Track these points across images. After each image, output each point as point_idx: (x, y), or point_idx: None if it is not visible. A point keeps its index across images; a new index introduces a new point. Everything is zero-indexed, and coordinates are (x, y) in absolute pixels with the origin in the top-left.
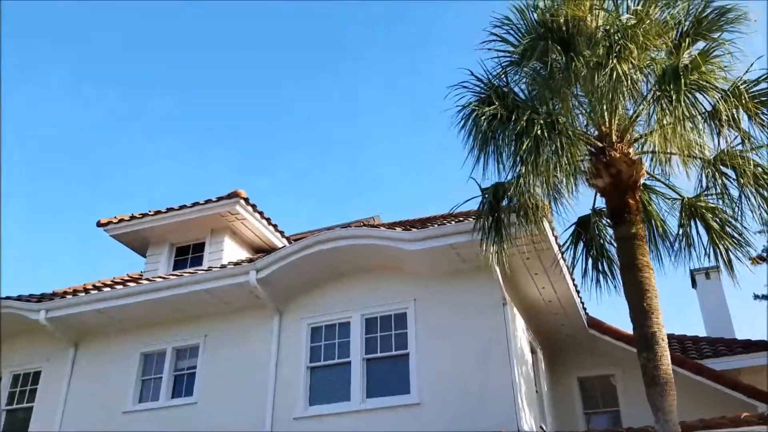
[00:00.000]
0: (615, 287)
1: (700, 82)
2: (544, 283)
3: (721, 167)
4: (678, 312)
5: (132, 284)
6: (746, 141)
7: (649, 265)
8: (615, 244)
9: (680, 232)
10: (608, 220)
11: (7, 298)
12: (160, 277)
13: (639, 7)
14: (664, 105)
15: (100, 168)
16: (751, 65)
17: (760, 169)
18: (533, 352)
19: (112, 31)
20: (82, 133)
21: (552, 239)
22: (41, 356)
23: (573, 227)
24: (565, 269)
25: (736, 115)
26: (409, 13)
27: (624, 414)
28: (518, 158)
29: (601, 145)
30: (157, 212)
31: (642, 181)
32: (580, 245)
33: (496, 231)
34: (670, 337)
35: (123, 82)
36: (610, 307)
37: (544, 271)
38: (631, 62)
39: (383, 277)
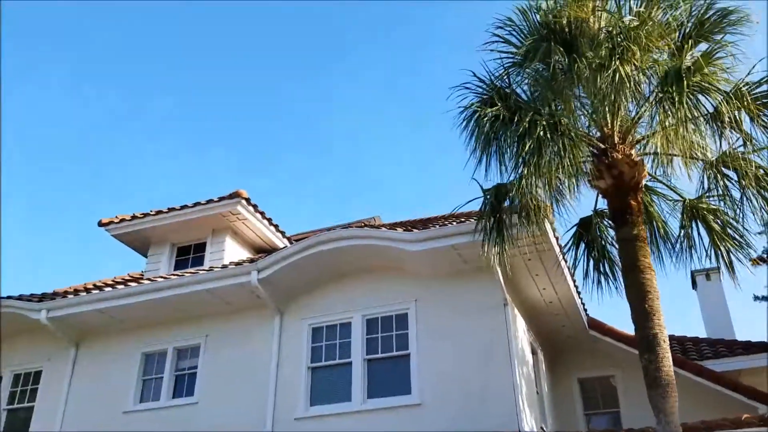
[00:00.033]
0: (616, 288)
1: (703, 83)
2: (545, 284)
3: (723, 169)
4: (678, 313)
5: (133, 284)
6: (748, 143)
7: (651, 266)
8: (616, 246)
9: (681, 234)
10: (610, 222)
11: (8, 297)
12: (162, 277)
13: (641, 9)
14: (667, 107)
15: (100, 168)
16: (753, 67)
17: (761, 170)
18: (534, 352)
19: (112, 31)
20: (82, 133)
21: (553, 240)
22: (42, 356)
23: (575, 228)
24: (566, 270)
25: (738, 117)
26: (409, 13)
27: (624, 415)
28: (520, 159)
29: (603, 146)
30: (159, 212)
31: (644, 182)
32: (582, 246)
33: (497, 232)
34: (671, 338)
35: (123, 82)
36: (610, 309)
37: (545, 272)
38: (634, 64)
39: (384, 278)
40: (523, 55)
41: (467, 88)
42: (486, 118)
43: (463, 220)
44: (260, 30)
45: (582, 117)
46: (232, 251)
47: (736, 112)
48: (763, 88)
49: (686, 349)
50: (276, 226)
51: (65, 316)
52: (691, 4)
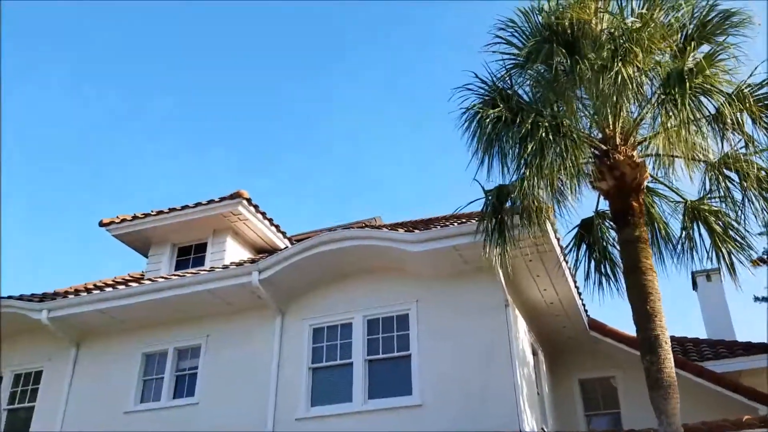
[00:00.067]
0: (617, 290)
1: (705, 85)
2: (546, 285)
3: (725, 170)
4: (679, 314)
5: (134, 284)
6: (750, 144)
7: (653, 268)
8: (618, 247)
9: (683, 235)
10: (611, 223)
11: (9, 297)
12: (162, 277)
13: (644, 11)
14: (669, 108)
15: (100, 168)
16: (756, 69)
17: (763, 172)
18: (535, 353)
19: (112, 31)
20: (82, 133)
21: (555, 241)
22: (43, 356)
23: (576, 230)
24: (567, 271)
25: (740, 119)
26: (409, 13)
27: (625, 416)
28: (522, 160)
29: (605, 147)
30: (160, 212)
31: (645, 184)
32: (583, 247)
33: (499, 233)
34: (671, 339)
35: (123, 82)
36: (611, 310)
37: (546, 273)
38: (636, 65)
39: (385, 279)
40: (525, 56)
41: (469, 89)
42: (488, 120)
43: (464, 220)
44: (260, 30)
45: (584, 118)
46: (233, 251)
47: (738, 114)
48: (765, 89)
49: (687, 349)
50: (277, 227)
51: (66, 316)
52: (693, 5)
